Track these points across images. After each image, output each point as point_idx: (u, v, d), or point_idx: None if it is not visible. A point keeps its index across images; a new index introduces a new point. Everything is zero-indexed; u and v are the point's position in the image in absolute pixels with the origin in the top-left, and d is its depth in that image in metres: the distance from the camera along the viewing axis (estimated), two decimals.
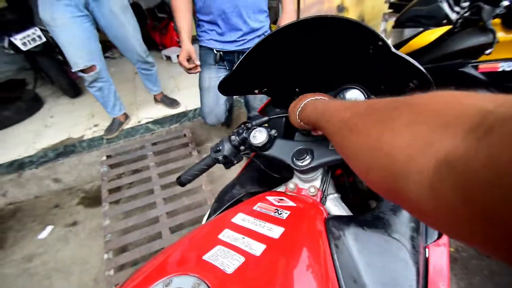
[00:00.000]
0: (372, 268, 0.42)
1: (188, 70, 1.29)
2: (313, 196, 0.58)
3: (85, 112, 2.43)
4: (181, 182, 0.70)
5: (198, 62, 1.28)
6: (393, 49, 0.45)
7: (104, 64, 1.86)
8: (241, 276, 0.34)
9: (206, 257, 0.37)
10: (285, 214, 0.46)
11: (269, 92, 0.76)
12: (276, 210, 0.48)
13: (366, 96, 0.62)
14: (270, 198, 0.53)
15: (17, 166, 1.90)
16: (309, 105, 0.46)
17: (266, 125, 0.71)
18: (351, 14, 2.24)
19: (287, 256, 0.38)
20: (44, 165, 1.90)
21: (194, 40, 1.33)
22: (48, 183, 1.97)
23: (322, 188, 0.59)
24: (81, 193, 2.01)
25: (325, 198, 0.59)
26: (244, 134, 0.64)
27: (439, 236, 0.51)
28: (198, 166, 0.69)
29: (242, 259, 0.36)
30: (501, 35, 1.00)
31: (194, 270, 0.35)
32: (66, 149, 1.99)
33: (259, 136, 0.62)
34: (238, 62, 0.59)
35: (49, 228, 1.76)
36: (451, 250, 1.42)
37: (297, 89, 0.76)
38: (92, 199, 1.95)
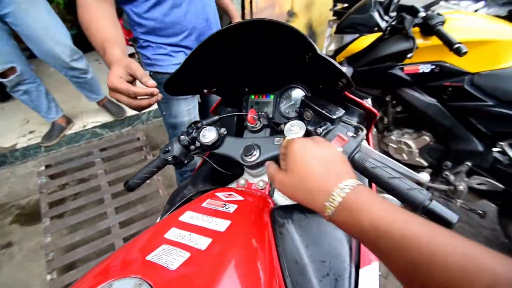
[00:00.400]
0: (312, 249, 0.47)
1: (135, 102, 0.62)
2: (262, 189, 0.61)
3: (17, 117, 2.14)
4: (129, 187, 0.68)
5: (152, 82, 0.61)
6: (324, 56, 0.49)
7: (25, 63, 1.61)
8: (185, 271, 0.34)
9: (149, 257, 0.37)
10: (232, 208, 0.48)
11: (218, 92, 0.77)
12: (224, 205, 0.49)
13: (306, 93, 0.67)
14: (219, 194, 0.54)
15: None
16: (354, 208, 0.30)
17: (218, 124, 0.72)
18: (301, 19, 2.37)
19: (232, 247, 0.39)
20: None
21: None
22: None
23: (270, 182, 0.62)
24: (15, 210, 1.77)
25: (273, 190, 0.62)
26: (193, 134, 0.65)
27: None
28: (147, 169, 0.67)
29: (187, 254, 0.37)
30: (420, 41, 1.17)
31: (136, 272, 0.34)
32: None
33: (208, 135, 0.62)
34: (184, 60, 0.58)
35: None
36: None
37: (246, 89, 0.79)
38: (29, 216, 1.73)
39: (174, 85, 0.62)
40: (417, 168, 1.47)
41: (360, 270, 0.50)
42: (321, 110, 0.52)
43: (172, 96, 0.67)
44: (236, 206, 0.49)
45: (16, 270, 1.46)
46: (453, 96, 1.21)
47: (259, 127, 0.66)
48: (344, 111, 0.52)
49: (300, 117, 0.59)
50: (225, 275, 0.34)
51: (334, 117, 0.50)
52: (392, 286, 1.37)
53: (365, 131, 0.49)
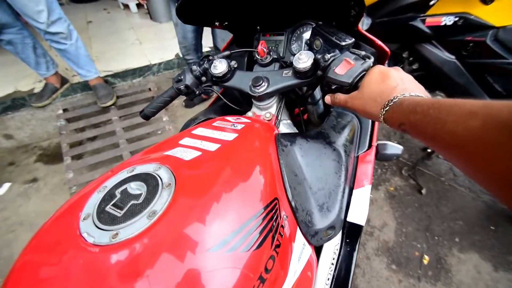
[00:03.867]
0: (311, 167, 0.51)
1: None
2: (269, 120, 0.65)
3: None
4: (145, 115, 0.72)
5: None
6: None
7: (9, 13, 1.46)
8: (197, 162, 0.40)
9: (166, 153, 0.42)
10: (240, 126, 0.52)
11: (230, 28, 0.77)
12: (233, 124, 0.53)
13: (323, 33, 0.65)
14: (229, 118, 0.58)
15: None
16: (404, 103, 0.34)
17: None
18: None
19: (238, 151, 0.44)
20: None
21: None
22: None
23: (277, 114, 0.66)
24: (38, 151, 1.90)
25: (279, 122, 0.66)
26: (205, 65, 0.67)
27: (368, 148, 0.62)
28: (161, 98, 0.71)
29: (199, 153, 0.42)
30: None
31: (155, 160, 0.40)
32: (14, 103, 1.82)
33: (219, 66, 0.64)
34: None
35: (6, 185, 1.68)
36: (391, 189, 1.66)
37: (258, 27, 0.78)
38: (51, 156, 1.86)
39: (186, 11, 0.63)
40: None
41: (354, 191, 0.55)
42: (330, 37, 0.52)
43: (185, 24, 0.68)
44: (243, 125, 0.53)
45: (43, 201, 1.62)
46: (473, 53, 1.16)
47: (269, 60, 0.67)
48: (353, 39, 0.52)
49: (310, 48, 0.60)
50: (230, 167, 0.39)
51: (343, 43, 0.51)
52: (385, 237, 1.47)
53: (372, 59, 0.50)
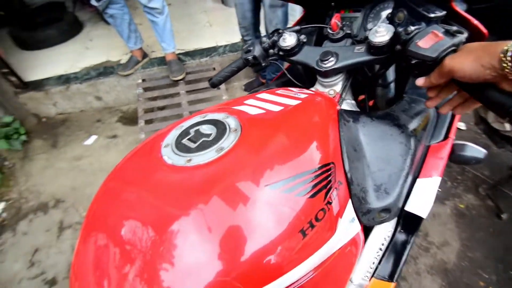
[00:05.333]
0: (372, 146, 0.48)
1: None
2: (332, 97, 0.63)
3: (121, 38, 2.53)
4: (213, 83, 0.77)
5: None
6: None
7: None
8: (262, 117, 0.41)
9: (234, 107, 0.45)
10: (303, 95, 0.52)
11: (303, 2, 0.75)
12: (296, 94, 0.53)
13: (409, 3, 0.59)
14: (292, 88, 0.58)
15: (64, 80, 2.11)
16: None
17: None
18: None
19: (298, 114, 0.44)
20: (88, 82, 2.09)
21: None
22: (91, 100, 2.19)
23: (341, 92, 0.63)
24: (119, 113, 2.23)
25: (343, 100, 0.63)
26: (274, 37, 0.67)
27: (445, 139, 0.55)
28: (229, 68, 0.74)
29: (262, 111, 0.44)
30: None
31: (224, 111, 0.43)
32: (106, 70, 2.15)
33: (288, 39, 0.64)
34: None
35: (93, 137, 2.02)
36: (461, 206, 1.45)
37: (332, 3, 0.75)
38: (129, 119, 2.16)
39: None
40: None
41: (418, 180, 0.50)
42: (417, 8, 0.47)
43: None
44: (306, 95, 0.52)
45: (120, 155, 1.90)
46: None
47: (341, 36, 0.64)
48: (445, 12, 0.46)
49: (390, 22, 0.55)
50: (291, 125, 0.40)
51: (432, 15, 0.45)
52: (444, 257, 1.30)
53: (465, 35, 0.43)
